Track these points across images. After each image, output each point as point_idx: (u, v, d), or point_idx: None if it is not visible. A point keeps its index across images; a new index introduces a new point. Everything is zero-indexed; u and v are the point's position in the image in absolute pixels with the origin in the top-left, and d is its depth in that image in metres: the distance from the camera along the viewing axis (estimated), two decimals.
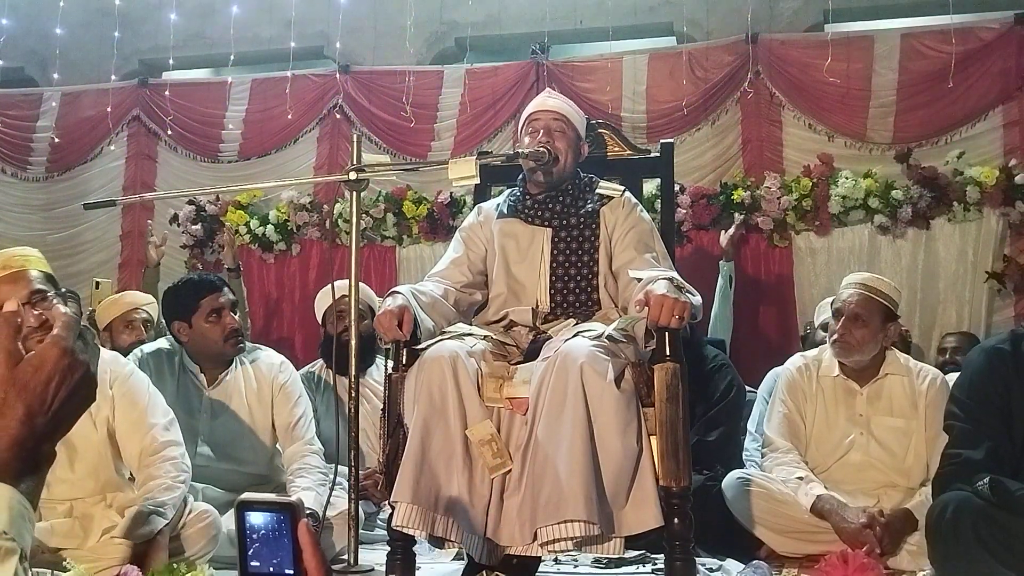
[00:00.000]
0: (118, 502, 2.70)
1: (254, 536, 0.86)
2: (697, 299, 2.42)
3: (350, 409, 2.87)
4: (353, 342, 2.89)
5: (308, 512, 2.96)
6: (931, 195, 5.07)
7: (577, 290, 2.71)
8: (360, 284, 3.59)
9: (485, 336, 2.58)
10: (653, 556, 2.83)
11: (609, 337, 2.39)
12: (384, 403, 2.56)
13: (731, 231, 5.00)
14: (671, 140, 3.26)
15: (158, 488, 2.63)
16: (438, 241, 5.67)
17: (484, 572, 2.32)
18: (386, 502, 2.43)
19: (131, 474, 2.79)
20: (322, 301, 3.85)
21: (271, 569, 0.86)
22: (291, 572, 0.85)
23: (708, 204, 5.27)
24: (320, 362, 3.87)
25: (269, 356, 3.37)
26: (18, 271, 2.41)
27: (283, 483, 3.21)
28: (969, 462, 2.44)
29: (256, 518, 0.87)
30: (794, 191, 5.23)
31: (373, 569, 2.74)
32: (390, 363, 2.54)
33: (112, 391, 2.72)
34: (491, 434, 2.34)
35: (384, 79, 6.10)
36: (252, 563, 0.86)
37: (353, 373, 2.88)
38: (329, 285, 3.83)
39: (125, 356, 3.03)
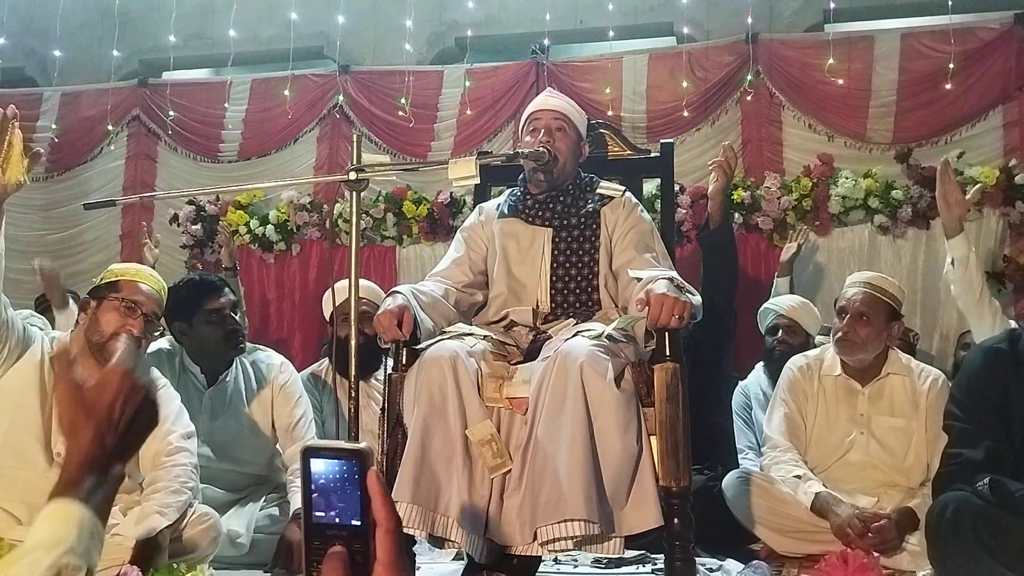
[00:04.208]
0: (123, 502, 2.70)
1: (319, 483, 0.80)
2: (697, 299, 2.42)
3: (350, 409, 2.87)
4: (353, 342, 2.88)
5: None
6: (931, 195, 5.05)
7: (577, 290, 2.71)
8: (368, 283, 3.59)
9: (485, 336, 2.58)
10: (653, 556, 2.83)
11: (609, 337, 2.39)
12: (383, 402, 2.56)
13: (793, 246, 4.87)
14: (671, 140, 3.26)
15: (165, 490, 2.65)
16: (438, 241, 5.67)
17: (484, 572, 2.32)
18: None
19: (141, 481, 2.80)
20: (328, 302, 3.74)
21: (336, 519, 0.80)
22: (358, 523, 0.79)
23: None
24: (325, 363, 3.83)
25: (269, 357, 3.37)
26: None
27: (283, 483, 3.21)
28: (969, 462, 2.44)
29: (321, 465, 0.80)
30: (794, 191, 5.23)
31: None
32: (390, 362, 2.54)
33: None
34: (491, 434, 2.34)
35: (384, 79, 6.09)
36: (316, 513, 0.80)
37: (353, 373, 2.88)
38: (334, 285, 3.79)
39: None
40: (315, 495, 0.80)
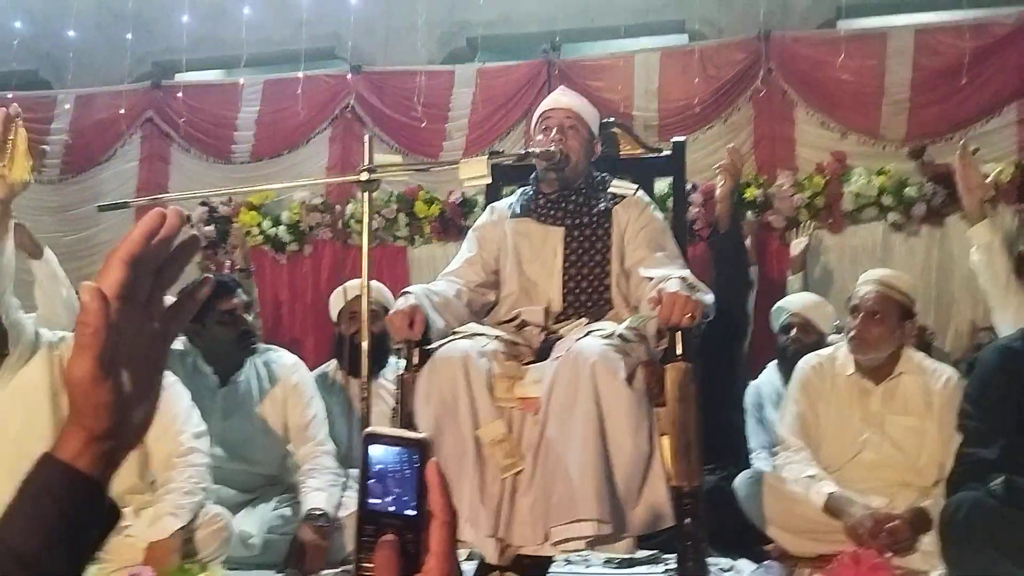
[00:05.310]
0: (135, 503, 2.72)
1: (376, 470, 0.78)
2: (710, 297, 2.41)
3: (362, 408, 2.88)
4: (364, 344, 2.90)
5: (319, 512, 2.97)
6: (945, 192, 5.02)
7: (589, 289, 2.71)
8: (375, 283, 3.61)
9: (496, 336, 2.58)
10: (665, 556, 2.82)
11: (621, 336, 2.39)
12: (396, 403, 2.56)
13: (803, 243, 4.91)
14: (683, 138, 3.25)
15: (178, 491, 2.66)
16: (450, 241, 5.65)
17: (496, 572, 2.32)
18: None
19: (152, 480, 2.81)
20: (336, 301, 3.81)
21: (391, 508, 0.78)
22: (412, 513, 0.78)
23: None
24: (333, 363, 3.84)
25: (282, 357, 3.38)
26: None
27: (295, 483, 3.22)
28: (983, 462, 2.43)
29: (380, 452, 0.79)
30: (807, 188, 5.20)
31: None
32: (402, 363, 2.54)
33: None
34: (503, 434, 2.34)
35: (395, 79, 6.09)
36: (371, 500, 0.78)
37: (365, 374, 2.89)
38: (343, 285, 3.82)
39: None
40: (371, 482, 0.78)
